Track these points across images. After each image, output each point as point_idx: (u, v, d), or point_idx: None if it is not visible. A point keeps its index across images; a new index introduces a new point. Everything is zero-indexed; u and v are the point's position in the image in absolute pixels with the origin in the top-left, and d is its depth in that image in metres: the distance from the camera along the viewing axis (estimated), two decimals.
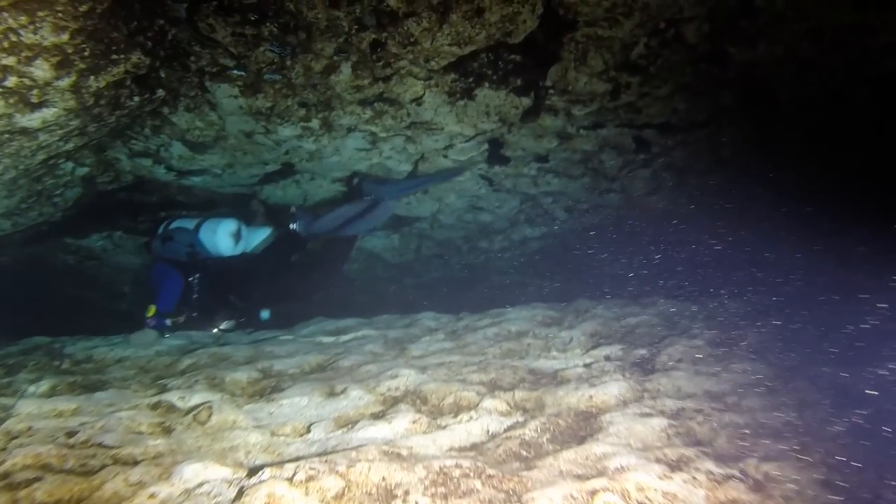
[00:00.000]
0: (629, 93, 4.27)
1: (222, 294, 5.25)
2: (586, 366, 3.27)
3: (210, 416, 2.87)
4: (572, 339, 3.88)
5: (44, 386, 3.66)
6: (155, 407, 3.23)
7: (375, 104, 4.55)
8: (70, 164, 5.64)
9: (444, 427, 2.54)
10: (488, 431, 2.49)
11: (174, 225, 5.45)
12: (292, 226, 5.16)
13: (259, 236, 5.54)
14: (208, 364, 4.18)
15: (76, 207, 6.71)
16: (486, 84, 4.29)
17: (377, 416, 2.81)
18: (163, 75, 4.43)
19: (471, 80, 4.26)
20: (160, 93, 4.66)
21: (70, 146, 4.75)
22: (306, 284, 5.43)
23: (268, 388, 3.50)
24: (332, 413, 2.90)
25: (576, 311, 4.82)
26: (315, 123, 4.82)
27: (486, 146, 5.09)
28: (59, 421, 2.83)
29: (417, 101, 4.45)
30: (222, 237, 5.26)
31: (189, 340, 5.28)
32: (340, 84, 4.31)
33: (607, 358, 3.40)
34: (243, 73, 4.26)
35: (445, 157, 5.19)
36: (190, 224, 5.42)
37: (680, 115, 4.48)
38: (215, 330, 5.30)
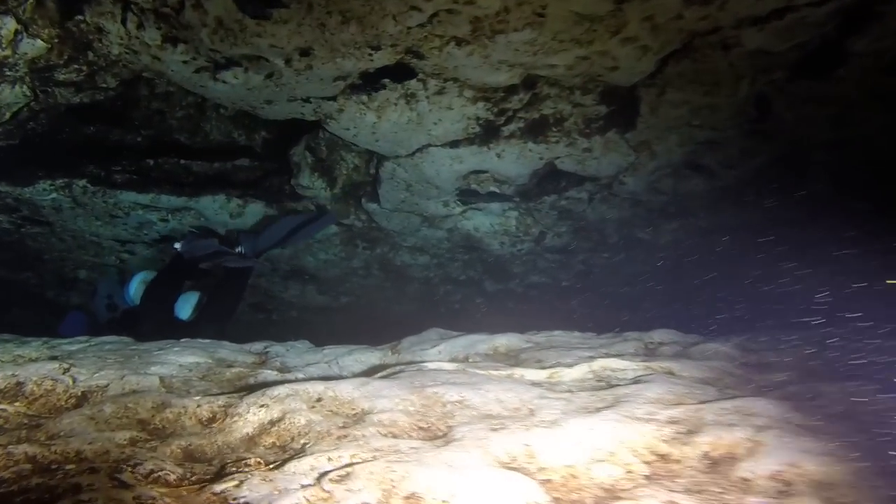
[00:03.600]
0: None
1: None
2: None
3: None
4: None
5: None
6: None
7: None
8: (10, 21, 3.08)
9: None
10: None
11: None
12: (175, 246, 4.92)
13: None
14: (327, 425, 1.66)
15: (18, 132, 4.15)
16: None
17: None
18: None
19: None
20: None
21: None
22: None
23: None
24: None
25: None
26: None
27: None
28: None
29: None
30: (136, 287, 4.92)
31: (211, 357, 2.79)
32: None
33: None
34: None
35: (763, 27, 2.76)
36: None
37: None
38: None
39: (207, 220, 5.03)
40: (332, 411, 1.78)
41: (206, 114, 4.68)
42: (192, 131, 4.84)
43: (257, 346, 3.38)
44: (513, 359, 2.75)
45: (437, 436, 1.58)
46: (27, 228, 5.19)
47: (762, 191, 3.91)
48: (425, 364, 2.37)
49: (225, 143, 4.94)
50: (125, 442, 1.64)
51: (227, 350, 3.08)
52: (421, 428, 1.65)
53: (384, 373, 2.28)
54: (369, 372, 2.63)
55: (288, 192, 4.95)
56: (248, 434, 1.70)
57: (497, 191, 4.27)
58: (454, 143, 3.77)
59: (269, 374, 2.53)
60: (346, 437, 1.57)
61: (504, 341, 2.98)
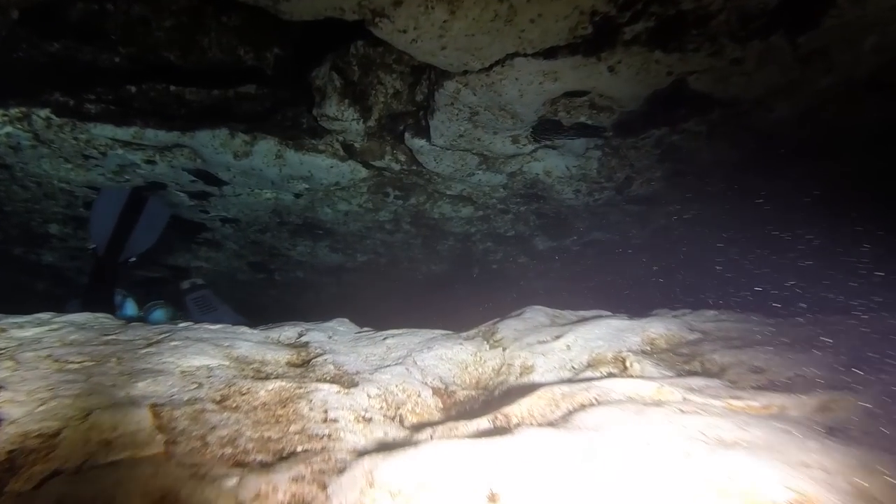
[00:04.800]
0: None
1: None
2: None
3: None
4: None
5: None
6: None
7: None
8: None
9: None
10: None
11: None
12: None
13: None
14: None
15: None
16: None
17: None
18: None
19: None
20: None
21: None
22: None
23: None
24: None
25: None
26: None
27: None
28: None
29: None
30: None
31: (227, 356, 1.82)
32: None
33: None
34: None
35: None
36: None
37: None
38: None
39: (206, 162, 4.00)
40: None
41: (203, 22, 3.59)
42: (186, 47, 3.76)
43: (288, 332, 2.41)
44: (689, 360, 1.80)
45: None
46: None
47: None
48: (601, 385, 1.39)
49: (227, 62, 3.86)
50: None
51: (248, 343, 2.11)
52: None
53: (545, 408, 1.31)
54: (469, 380, 1.67)
55: (306, 125, 3.91)
56: None
57: (588, 122, 3.25)
58: (550, 52, 2.72)
59: (328, 392, 1.57)
60: None
61: (661, 330, 2.03)
